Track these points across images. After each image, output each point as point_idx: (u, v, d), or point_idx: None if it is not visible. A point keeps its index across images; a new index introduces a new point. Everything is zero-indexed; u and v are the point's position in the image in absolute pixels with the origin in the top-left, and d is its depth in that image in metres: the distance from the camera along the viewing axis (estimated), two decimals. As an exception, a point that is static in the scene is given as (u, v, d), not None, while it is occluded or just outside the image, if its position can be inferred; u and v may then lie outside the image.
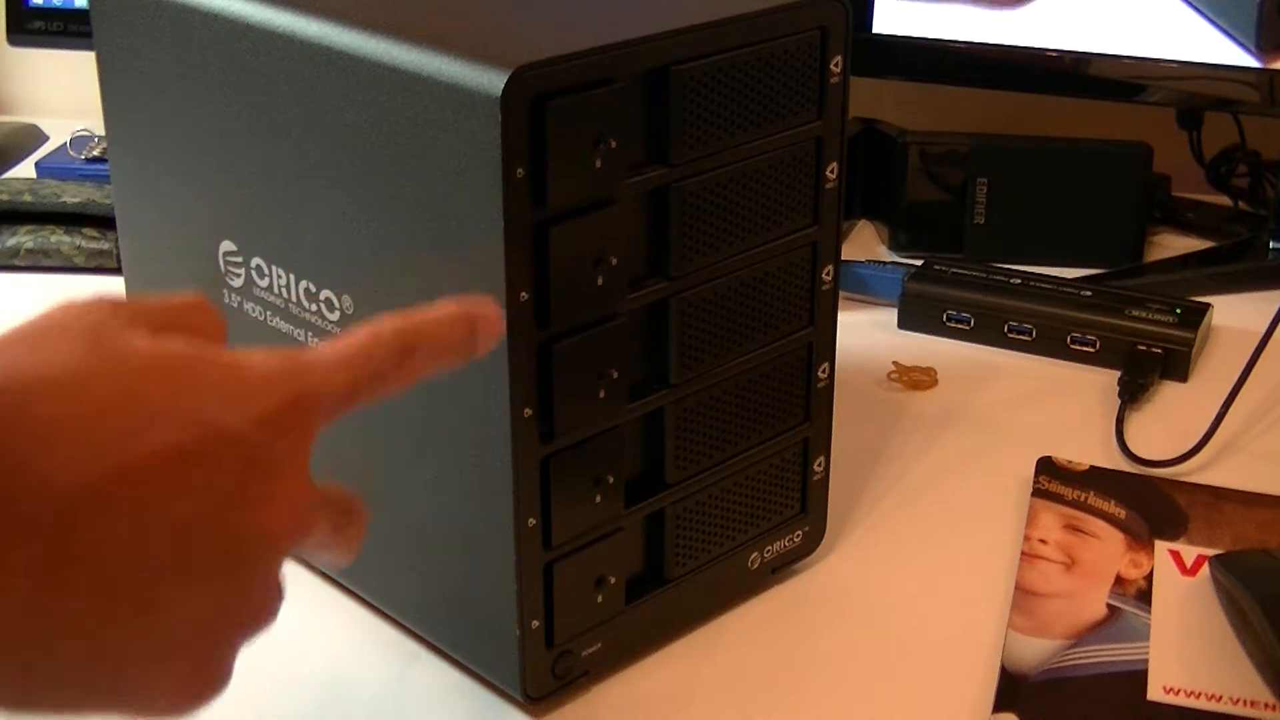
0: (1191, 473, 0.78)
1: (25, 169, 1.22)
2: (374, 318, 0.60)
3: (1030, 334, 0.91)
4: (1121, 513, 0.73)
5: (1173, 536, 0.71)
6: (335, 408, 0.44)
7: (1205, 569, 0.68)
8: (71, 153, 1.19)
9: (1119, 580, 0.68)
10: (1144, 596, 0.67)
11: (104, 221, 1.03)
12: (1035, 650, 0.63)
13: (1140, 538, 0.71)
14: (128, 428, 0.38)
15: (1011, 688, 0.61)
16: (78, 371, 0.39)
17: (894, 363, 0.88)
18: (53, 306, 0.42)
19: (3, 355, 0.39)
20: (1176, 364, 0.87)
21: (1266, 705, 0.60)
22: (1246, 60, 0.96)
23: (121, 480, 0.38)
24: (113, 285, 0.97)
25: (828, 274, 0.65)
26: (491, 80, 0.52)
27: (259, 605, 0.43)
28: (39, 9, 1.19)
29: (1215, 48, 0.96)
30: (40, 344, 0.40)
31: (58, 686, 0.39)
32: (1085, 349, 0.89)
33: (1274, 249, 1.02)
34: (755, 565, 0.67)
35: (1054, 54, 1.01)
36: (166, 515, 0.38)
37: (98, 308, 0.42)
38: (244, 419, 0.40)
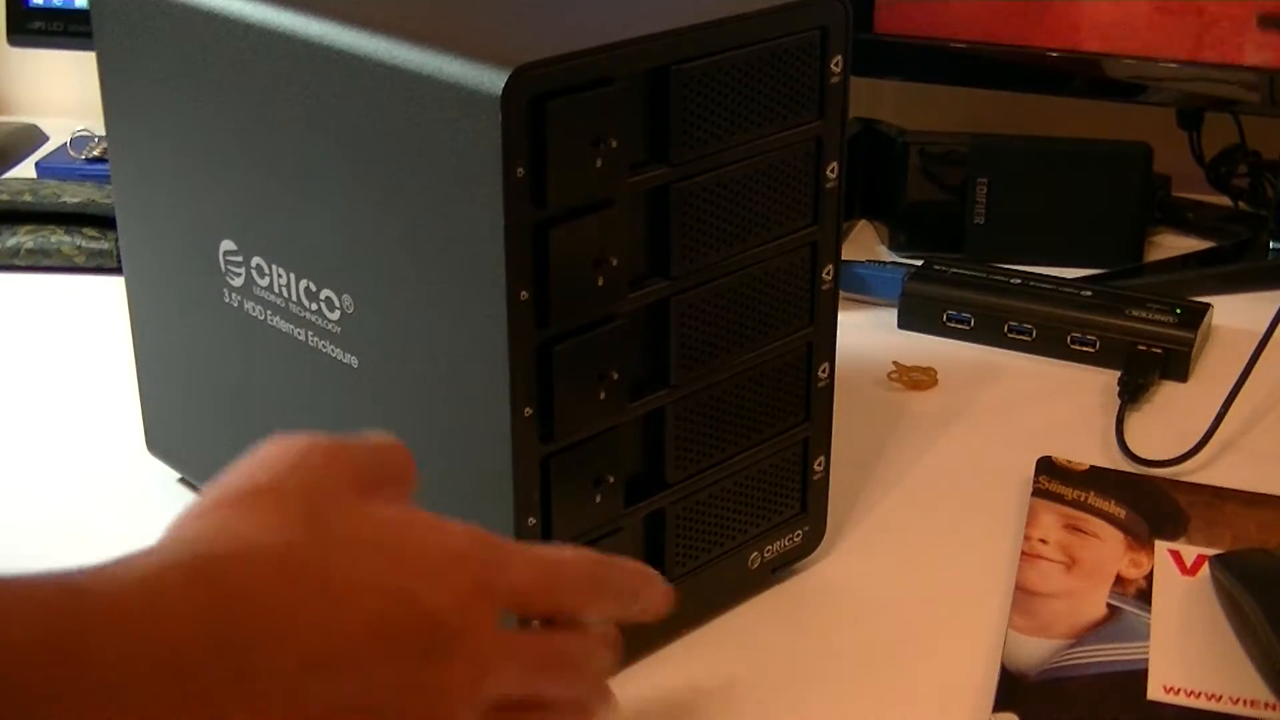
0: (1191, 473, 0.78)
1: (25, 169, 1.22)
2: (373, 317, 0.60)
3: (1030, 334, 0.91)
4: (1121, 513, 0.73)
5: (1173, 536, 0.71)
6: (520, 601, 0.48)
7: (1205, 569, 0.68)
8: (71, 153, 1.19)
9: (1119, 580, 0.68)
10: (1144, 596, 0.67)
11: (104, 221, 1.03)
12: (1035, 650, 0.63)
13: (1140, 538, 0.71)
14: (340, 601, 0.42)
15: (1011, 687, 0.61)
16: (293, 551, 0.43)
17: (894, 363, 0.88)
18: (264, 452, 0.47)
19: (218, 515, 0.44)
20: (1176, 364, 0.87)
21: (1266, 705, 0.60)
22: (1247, 60, 0.96)
23: (330, 648, 0.42)
24: (113, 285, 0.97)
25: (828, 274, 0.65)
26: (492, 80, 0.52)
27: None
28: (39, 9, 1.19)
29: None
30: (255, 507, 0.44)
31: None
32: (1085, 349, 0.89)
33: (1274, 249, 1.02)
34: (755, 565, 0.67)
35: (1054, 54, 1.01)
36: (366, 674, 0.42)
37: (310, 464, 0.46)
38: (436, 595, 0.44)
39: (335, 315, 0.62)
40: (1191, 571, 0.68)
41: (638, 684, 0.63)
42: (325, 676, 0.41)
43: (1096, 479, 0.76)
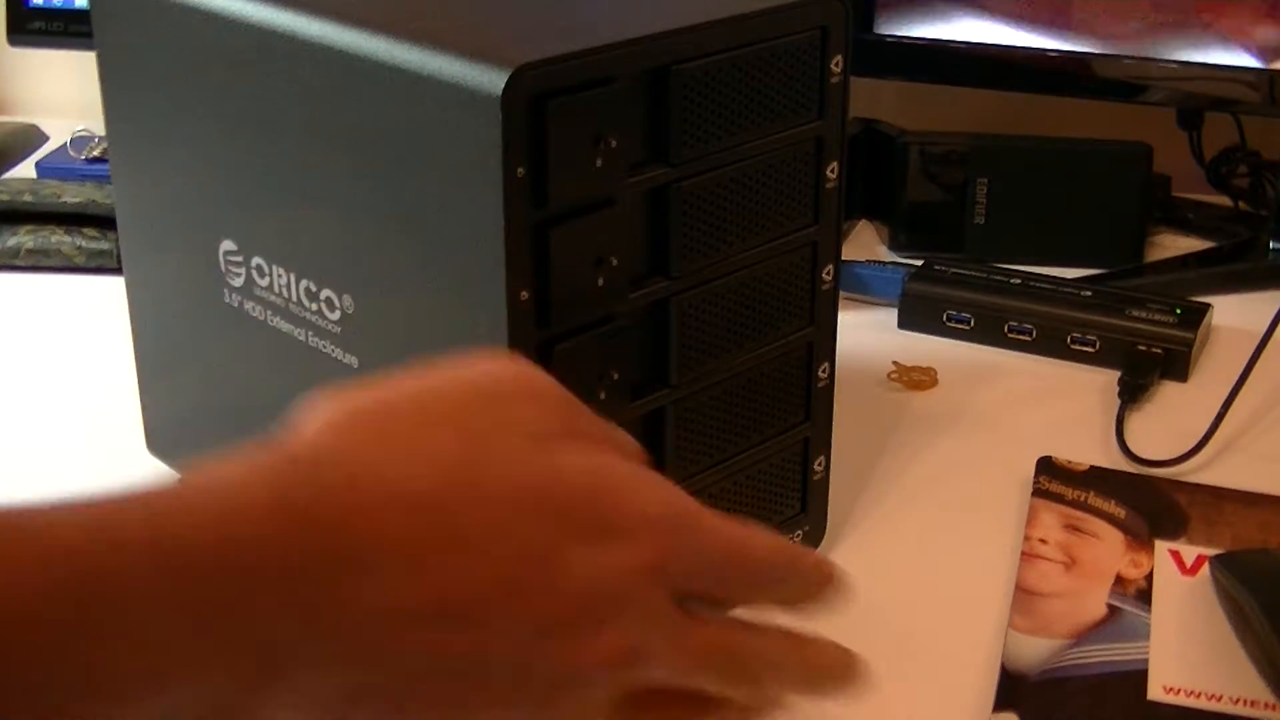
0: (1191, 473, 0.78)
1: (25, 169, 1.22)
2: (373, 317, 0.60)
3: (1030, 334, 0.91)
4: (1121, 513, 0.73)
5: (1173, 536, 0.71)
6: (694, 586, 0.42)
7: (1205, 569, 0.68)
8: (71, 153, 1.19)
9: (1119, 580, 0.68)
10: (1144, 596, 0.67)
11: (104, 221, 1.03)
12: (1035, 650, 0.63)
13: (1140, 537, 0.71)
14: (460, 562, 0.38)
15: (1011, 687, 0.61)
16: (433, 493, 0.38)
17: (894, 363, 0.88)
18: (452, 366, 0.43)
19: (376, 446, 0.39)
20: (1176, 364, 0.87)
21: (1266, 705, 0.60)
22: (1247, 60, 0.96)
23: (436, 611, 0.37)
24: (113, 285, 0.97)
25: (828, 274, 0.65)
26: (492, 80, 0.52)
27: None
28: (39, 9, 1.19)
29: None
30: (416, 440, 0.39)
31: None
32: (1085, 349, 0.89)
33: (1274, 249, 1.02)
34: (755, 565, 0.67)
35: (1054, 54, 1.01)
36: (481, 630, 0.38)
37: (481, 396, 0.42)
38: (593, 560, 0.39)
39: (335, 315, 0.62)
40: (1191, 571, 0.68)
41: (638, 684, 0.63)
42: (431, 626, 0.37)
43: (1096, 479, 0.76)
